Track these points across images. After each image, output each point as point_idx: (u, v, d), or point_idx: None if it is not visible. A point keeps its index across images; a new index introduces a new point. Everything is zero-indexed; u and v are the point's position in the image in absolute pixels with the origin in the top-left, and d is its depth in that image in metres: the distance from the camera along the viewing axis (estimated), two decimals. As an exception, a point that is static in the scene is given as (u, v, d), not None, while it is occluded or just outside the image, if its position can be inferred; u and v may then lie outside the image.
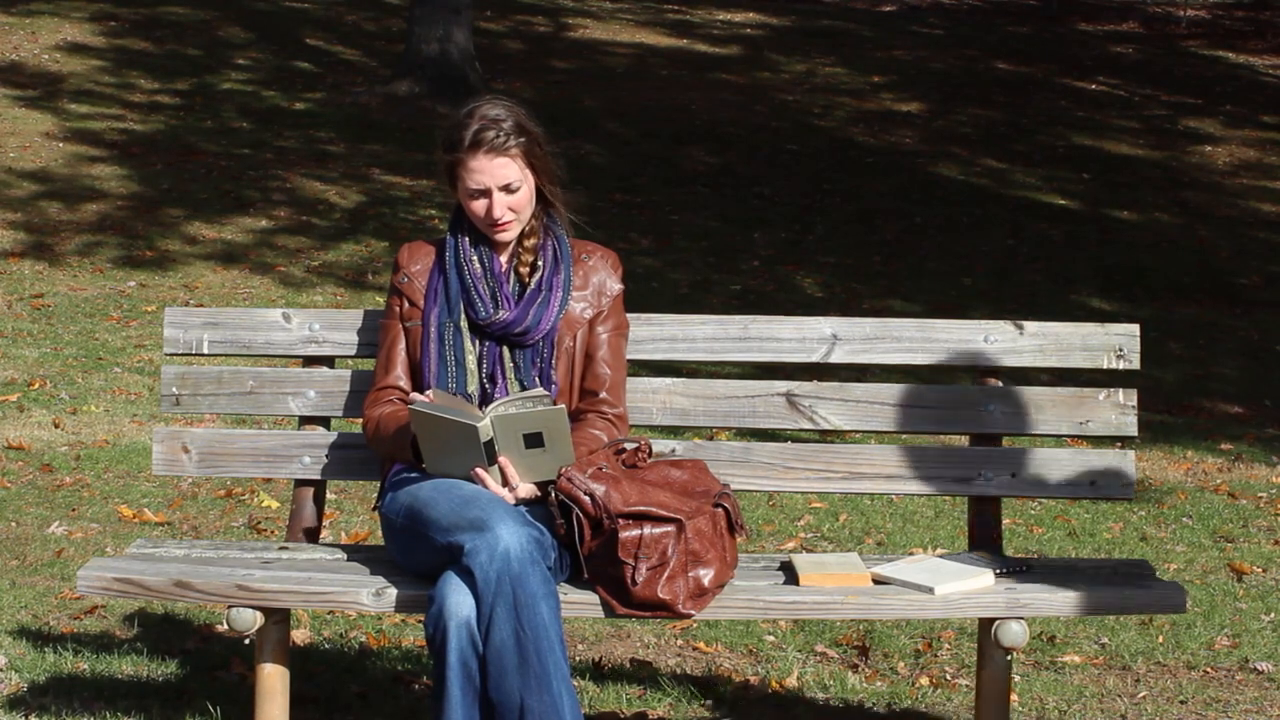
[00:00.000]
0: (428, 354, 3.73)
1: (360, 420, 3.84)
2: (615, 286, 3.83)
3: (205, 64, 15.36)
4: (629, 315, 3.88)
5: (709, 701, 4.32)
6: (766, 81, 16.36)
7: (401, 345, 3.79)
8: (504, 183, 3.70)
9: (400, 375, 3.78)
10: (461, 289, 3.74)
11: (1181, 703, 4.40)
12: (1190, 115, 15.75)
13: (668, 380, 3.99)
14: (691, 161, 13.48)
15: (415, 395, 3.64)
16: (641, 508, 3.41)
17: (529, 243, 3.79)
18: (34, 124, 13.35)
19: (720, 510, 3.52)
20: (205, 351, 3.99)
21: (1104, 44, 18.85)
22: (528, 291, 3.75)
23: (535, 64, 16.32)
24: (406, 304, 3.79)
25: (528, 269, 3.78)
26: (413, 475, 3.65)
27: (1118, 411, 3.94)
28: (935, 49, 17.99)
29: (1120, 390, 3.95)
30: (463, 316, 3.74)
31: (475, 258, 3.78)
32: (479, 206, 3.73)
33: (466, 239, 3.80)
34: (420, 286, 3.79)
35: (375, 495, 6.21)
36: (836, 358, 3.98)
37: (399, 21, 16.17)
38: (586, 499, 3.41)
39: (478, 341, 3.72)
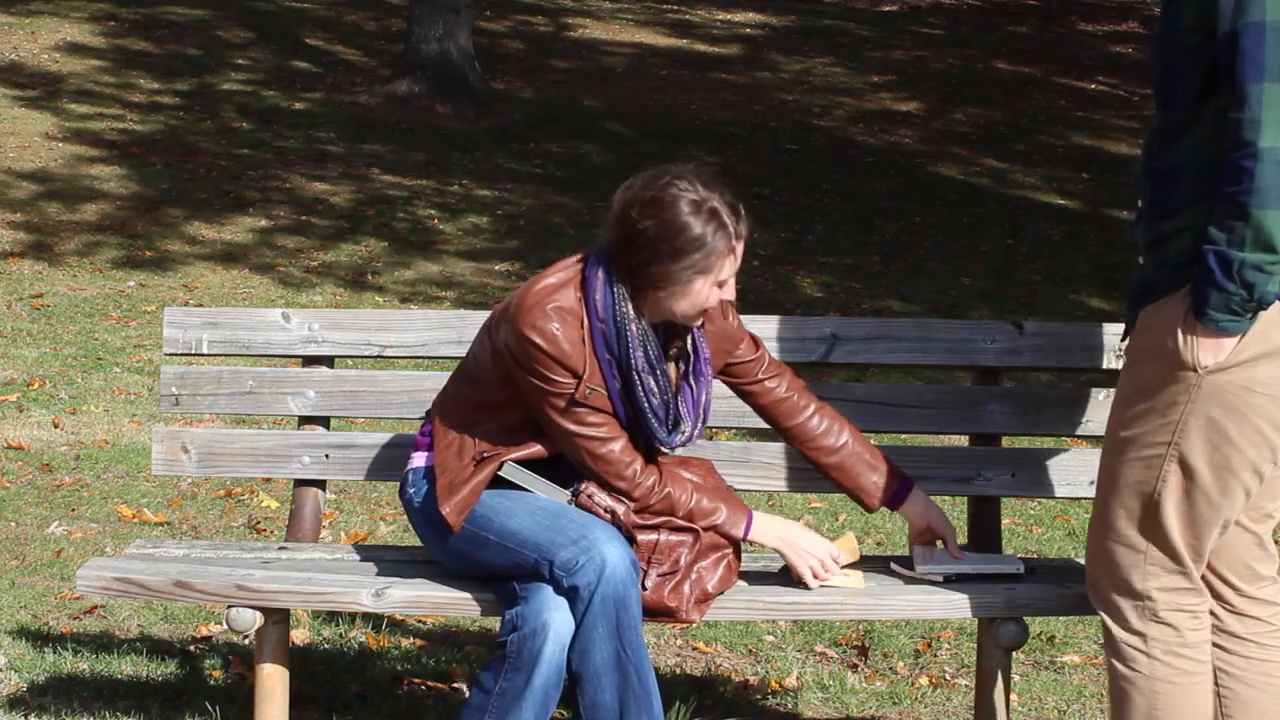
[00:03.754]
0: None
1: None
2: (735, 328, 3.59)
3: (205, 64, 15.36)
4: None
5: (709, 701, 4.31)
6: (766, 81, 16.36)
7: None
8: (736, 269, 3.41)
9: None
10: (648, 405, 3.41)
11: (1181, 703, 4.40)
12: (1190, 115, 15.75)
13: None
14: (691, 161, 13.48)
15: (509, 463, 3.44)
16: (659, 523, 3.41)
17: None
18: (34, 124, 13.35)
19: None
20: (205, 351, 3.99)
21: (1104, 44, 18.86)
22: (692, 389, 3.47)
23: (535, 64, 16.32)
24: (592, 405, 3.39)
25: (678, 352, 3.49)
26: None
27: (1118, 411, 3.93)
28: (935, 49, 17.99)
29: (1120, 390, 3.95)
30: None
31: (648, 361, 3.39)
32: (714, 295, 3.38)
33: (632, 325, 3.37)
34: (602, 389, 3.38)
35: (375, 494, 6.23)
36: (836, 358, 3.98)
37: (399, 21, 16.17)
38: (606, 516, 3.40)
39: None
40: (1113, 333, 3.94)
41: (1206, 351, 2.92)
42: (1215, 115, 2.89)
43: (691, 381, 3.49)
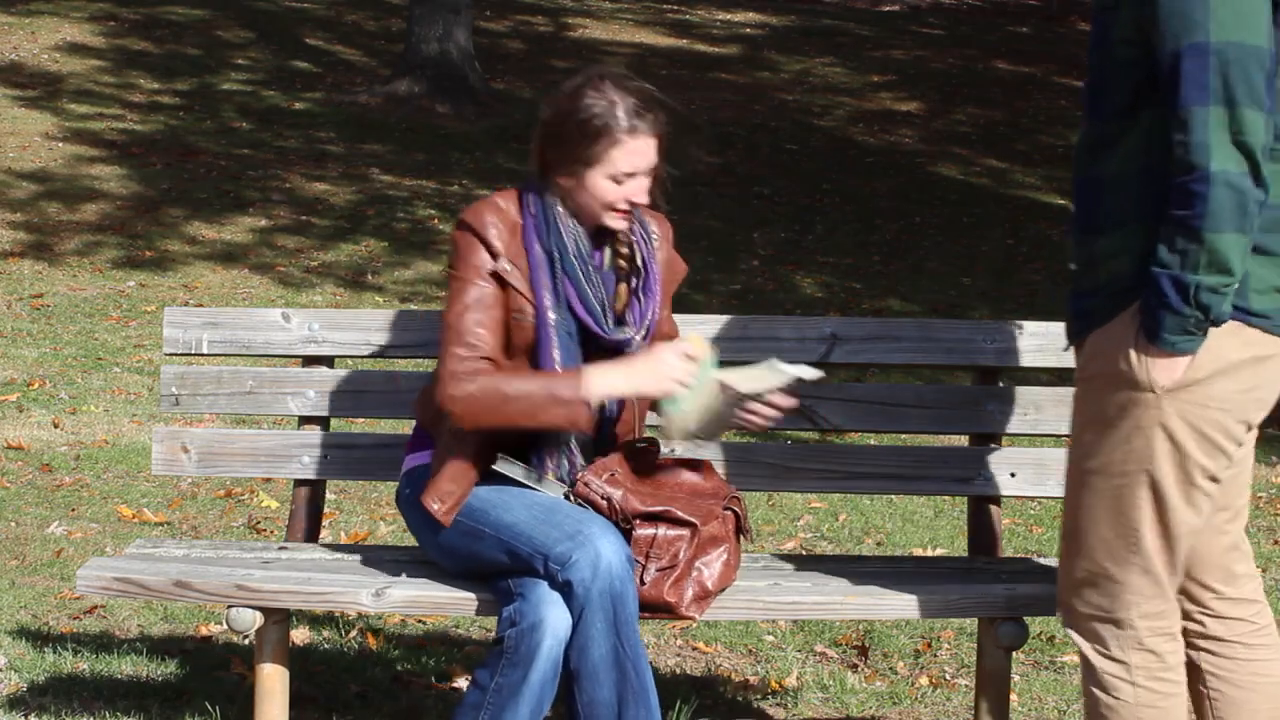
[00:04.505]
0: (549, 362, 3.41)
1: (448, 401, 3.35)
2: (681, 265, 3.67)
3: (205, 64, 15.36)
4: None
5: (709, 701, 4.31)
6: (766, 81, 16.36)
7: (498, 317, 3.42)
8: (653, 164, 3.44)
9: (496, 350, 3.40)
10: (571, 293, 3.43)
11: (1181, 703, 4.40)
12: (1190, 115, 15.75)
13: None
14: (691, 162, 13.49)
15: (503, 458, 3.42)
16: (658, 508, 3.40)
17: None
18: (34, 124, 13.35)
19: (730, 514, 3.51)
20: (205, 351, 3.99)
21: (1104, 44, 18.85)
22: (641, 300, 3.50)
23: (535, 64, 16.31)
24: (514, 294, 3.43)
25: (626, 261, 3.52)
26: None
27: (1118, 411, 3.93)
28: (935, 49, 17.99)
29: (1120, 390, 3.94)
30: (571, 326, 3.44)
31: (580, 252, 3.44)
32: (619, 191, 3.42)
33: (561, 225, 3.45)
34: (523, 273, 3.42)
35: (375, 494, 6.23)
36: (836, 358, 3.98)
37: (399, 21, 16.17)
38: (604, 503, 3.39)
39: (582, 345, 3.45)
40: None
41: (1162, 371, 2.90)
42: (1146, 128, 2.90)
43: (640, 296, 3.51)
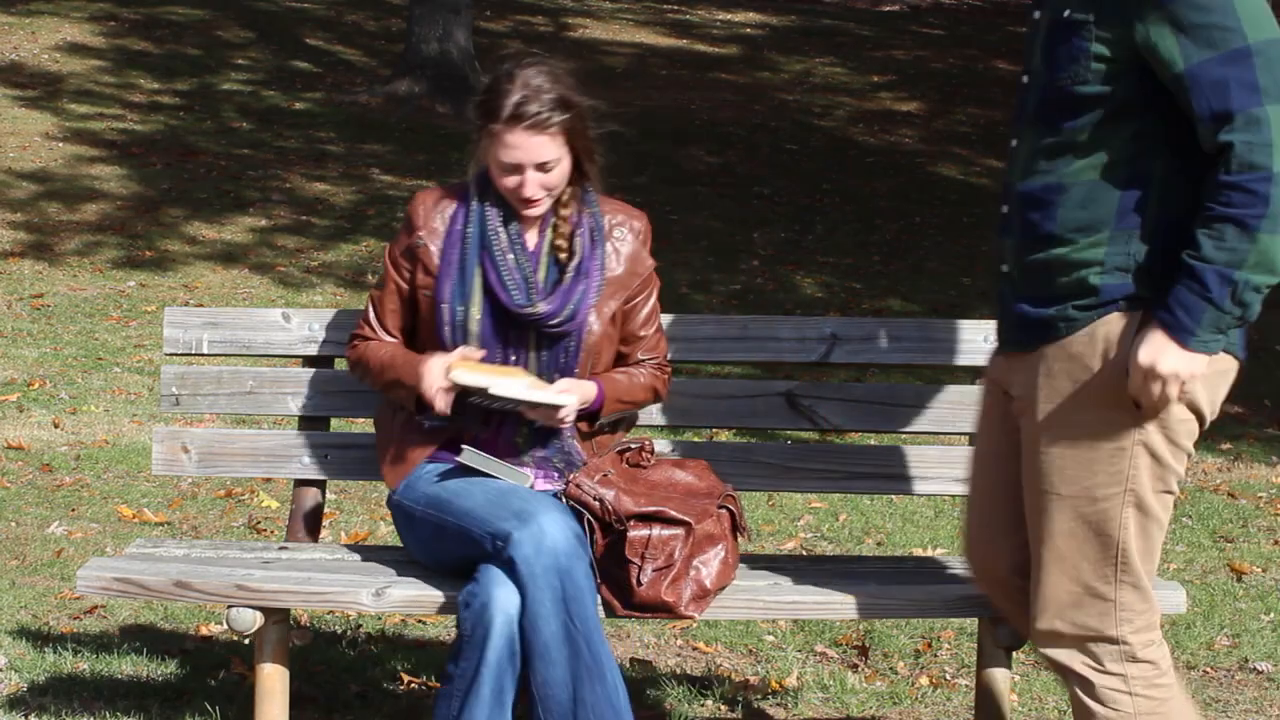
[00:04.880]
0: (441, 338, 3.55)
1: (348, 360, 3.74)
2: (648, 262, 3.66)
3: (205, 64, 15.36)
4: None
5: (709, 701, 4.31)
6: (766, 81, 16.36)
7: (401, 305, 3.63)
8: (540, 161, 3.47)
9: (394, 324, 3.64)
10: (489, 270, 3.52)
11: (1181, 703, 4.40)
12: (1190, 115, 15.75)
13: (667, 380, 3.98)
14: (691, 161, 13.48)
15: (467, 449, 3.50)
16: (652, 508, 3.40)
17: (564, 213, 3.57)
18: (34, 124, 13.35)
19: (725, 512, 3.51)
20: (205, 351, 3.99)
21: (1104, 44, 18.85)
22: (567, 279, 3.54)
23: (535, 64, 16.29)
24: (421, 272, 3.58)
25: (565, 250, 3.57)
26: (429, 467, 3.61)
27: (1118, 411, 3.93)
28: (935, 49, 17.99)
29: (1120, 390, 3.94)
30: (477, 300, 3.54)
31: (504, 234, 3.55)
32: (510, 182, 3.50)
33: (493, 208, 3.55)
34: (437, 251, 3.57)
35: (375, 494, 6.22)
36: (836, 358, 3.98)
37: (399, 21, 16.17)
38: (596, 504, 3.39)
39: (498, 329, 3.52)
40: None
41: (1187, 364, 2.89)
42: (1129, 138, 2.93)
43: (570, 275, 3.55)
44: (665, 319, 3.98)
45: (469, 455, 3.48)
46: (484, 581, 3.28)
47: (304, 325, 3.98)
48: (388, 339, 3.65)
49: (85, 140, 13.02)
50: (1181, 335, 2.88)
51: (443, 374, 3.46)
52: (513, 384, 3.44)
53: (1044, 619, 3.11)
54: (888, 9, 20.31)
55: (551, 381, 3.53)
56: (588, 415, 3.59)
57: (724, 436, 6.35)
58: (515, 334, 3.55)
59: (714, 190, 12.74)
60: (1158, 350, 2.89)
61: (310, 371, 3.98)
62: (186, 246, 10.91)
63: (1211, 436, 7.92)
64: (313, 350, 3.98)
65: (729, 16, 19.15)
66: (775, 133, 14.52)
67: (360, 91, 14.68)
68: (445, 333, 3.55)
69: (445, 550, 3.46)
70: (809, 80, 16.51)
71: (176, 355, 4.00)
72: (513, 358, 3.56)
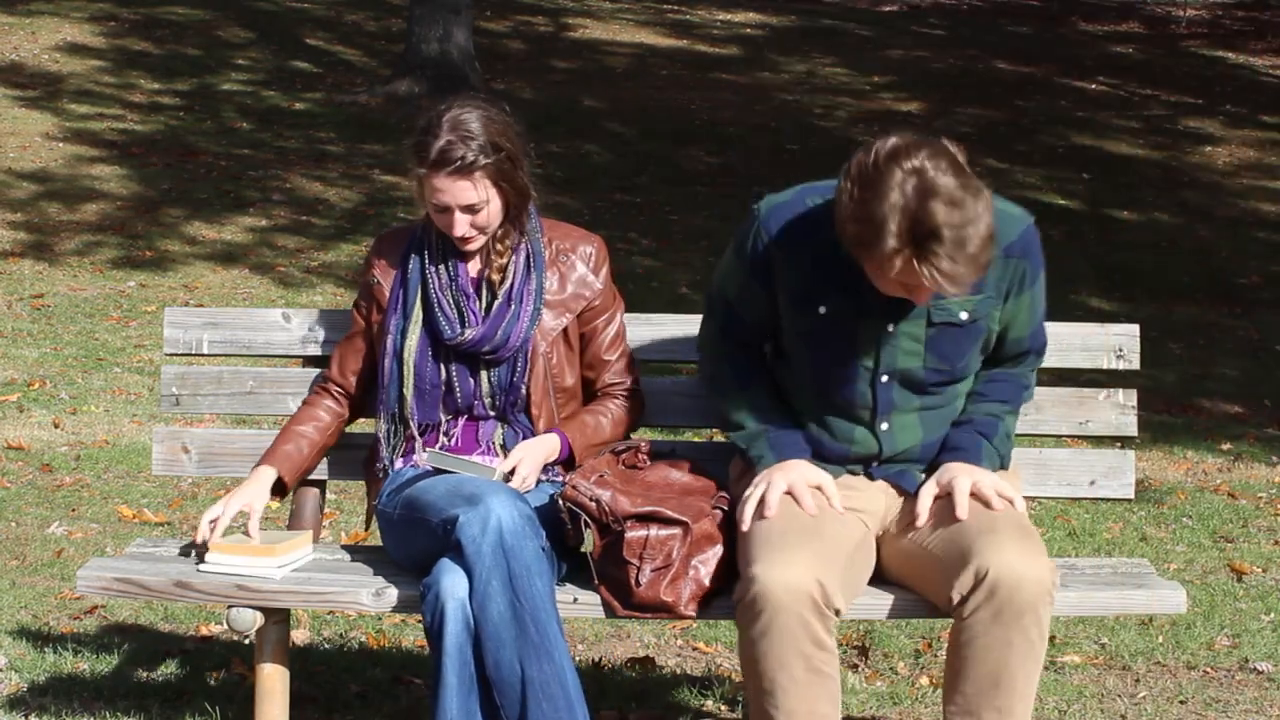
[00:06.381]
0: (382, 371, 3.69)
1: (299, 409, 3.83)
2: (597, 284, 3.71)
3: (205, 64, 15.37)
4: (629, 315, 3.85)
5: (709, 702, 4.31)
6: (766, 81, 16.36)
7: (366, 344, 3.74)
8: (466, 204, 3.56)
9: (348, 380, 3.77)
10: (426, 305, 3.65)
11: (1181, 703, 4.40)
12: (1190, 115, 15.76)
13: (668, 380, 3.98)
14: (691, 161, 13.49)
15: (430, 451, 3.60)
16: (648, 509, 3.40)
17: (501, 245, 3.66)
18: (34, 124, 13.36)
19: (720, 512, 3.51)
20: (205, 351, 3.99)
21: (1104, 44, 18.86)
22: (496, 305, 3.63)
23: (535, 64, 16.32)
24: (374, 310, 3.74)
25: (499, 277, 3.67)
26: (406, 473, 3.64)
27: (1118, 411, 3.93)
28: (935, 49, 18.00)
29: (1120, 390, 3.95)
30: (415, 330, 3.64)
31: (443, 268, 3.66)
32: (441, 222, 3.62)
33: (438, 244, 3.68)
34: (388, 288, 3.70)
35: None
36: (836, 358, 3.96)
37: (399, 21, 16.17)
38: (592, 504, 3.39)
39: (436, 356, 3.63)
40: (1114, 333, 3.95)
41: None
42: (970, 378, 3.56)
43: (500, 302, 3.62)
44: (664, 319, 3.98)
45: (432, 457, 3.55)
46: (435, 571, 3.32)
47: (304, 325, 3.98)
48: (334, 392, 3.78)
49: (85, 140, 13.03)
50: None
51: (209, 523, 3.59)
52: (452, 460, 3.55)
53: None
54: (888, 9, 20.32)
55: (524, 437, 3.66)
56: (562, 462, 3.67)
57: (724, 436, 6.34)
58: (459, 360, 3.64)
59: (714, 190, 12.75)
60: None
61: (310, 371, 3.98)
62: (186, 246, 10.92)
63: (1211, 436, 7.92)
64: (313, 350, 3.98)
65: (729, 16, 19.15)
66: (775, 133, 14.53)
67: (360, 92, 14.69)
68: (386, 363, 3.67)
69: (417, 548, 3.50)
70: (809, 80, 16.52)
71: (176, 355, 4.00)
72: (456, 384, 3.65)
